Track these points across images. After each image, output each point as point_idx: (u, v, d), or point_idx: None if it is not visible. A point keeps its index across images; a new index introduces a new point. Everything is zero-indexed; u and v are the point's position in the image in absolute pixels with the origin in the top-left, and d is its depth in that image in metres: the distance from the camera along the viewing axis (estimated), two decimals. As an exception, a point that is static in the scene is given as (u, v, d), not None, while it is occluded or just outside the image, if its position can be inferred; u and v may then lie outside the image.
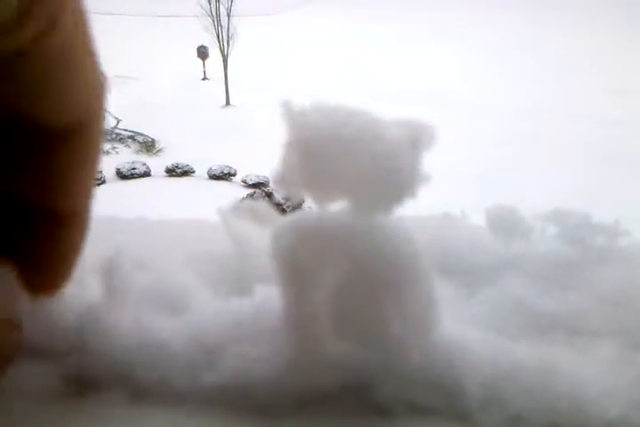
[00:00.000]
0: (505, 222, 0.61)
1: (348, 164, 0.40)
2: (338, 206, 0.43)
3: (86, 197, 0.46)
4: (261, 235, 0.54)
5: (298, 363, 0.44)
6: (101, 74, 0.41)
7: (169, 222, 0.68)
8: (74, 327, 0.47)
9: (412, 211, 0.52)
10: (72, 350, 0.46)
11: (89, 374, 0.45)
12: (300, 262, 0.42)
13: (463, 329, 0.48)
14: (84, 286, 0.54)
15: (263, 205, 0.59)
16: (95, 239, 0.63)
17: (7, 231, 0.44)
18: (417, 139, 0.41)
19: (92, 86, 0.40)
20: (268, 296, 0.47)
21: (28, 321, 0.49)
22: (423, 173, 0.41)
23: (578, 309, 0.53)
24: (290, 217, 0.44)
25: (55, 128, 0.39)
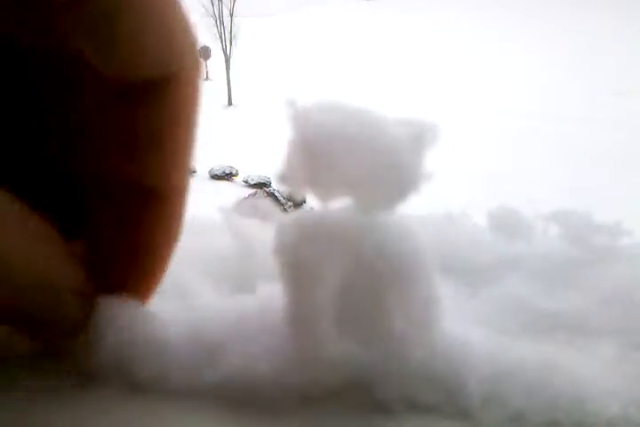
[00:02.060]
0: (506, 222, 0.61)
1: (351, 161, 0.40)
2: (341, 204, 0.44)
3: (182, 169, 0.40)
4: (263, 232, 0.54)
5: (299, 360, 0.44)
6: (191, 27, 0.36)
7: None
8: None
9: (414, 210, 0.52)
10: (72, 344, 0.47)
11: (90, 369, 0.45)
12: (302, 259, 0.43)
13: (464, 328, 0.48)
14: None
15: (266, 203, 0.59)
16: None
17: (88, 214, 0.39)
18: (420, 136, 0.41)
19: (183, 35, 0.36)
20: (270, 294, 0.48)
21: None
22: (426, 170, 0.41)
23: (579, 308, 0.54)
24: (293, 214, 0.44)
25: (149, 80, 0.35)
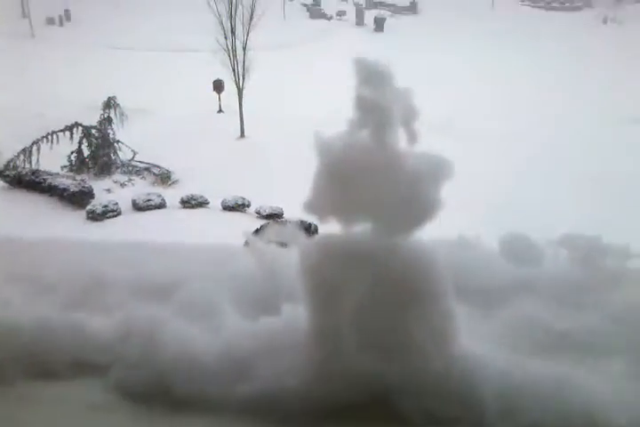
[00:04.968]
0: (518, 247, 0.63)
1: (373, 190, 0.43)
2: (361, 228, 0.47)
3: None
4: (286, 256, 0.57)
5: (323, 375, 0.47)
6: None
7: (199, 246, 0.72)
8: (115, 342, 0.50)
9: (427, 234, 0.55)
10: (113, 363, 0.50)
11: (130, 385, 0.48)
12: (326, 279, 0.46)
13: (480, 345, 0.51)
14: (121, 304, 0.57)
15: (289, 228, 0.62)
16: (128, 263, 0.66)
17: None
18: (437, 171, 0.45)
19: None
20: (295, 313, 0.51)
21: (69, 336, 0.53)
22: (442, 201, 0.45)
23: (589, 328, 0.56)
24: (317, 237, 0.48)
25: None
